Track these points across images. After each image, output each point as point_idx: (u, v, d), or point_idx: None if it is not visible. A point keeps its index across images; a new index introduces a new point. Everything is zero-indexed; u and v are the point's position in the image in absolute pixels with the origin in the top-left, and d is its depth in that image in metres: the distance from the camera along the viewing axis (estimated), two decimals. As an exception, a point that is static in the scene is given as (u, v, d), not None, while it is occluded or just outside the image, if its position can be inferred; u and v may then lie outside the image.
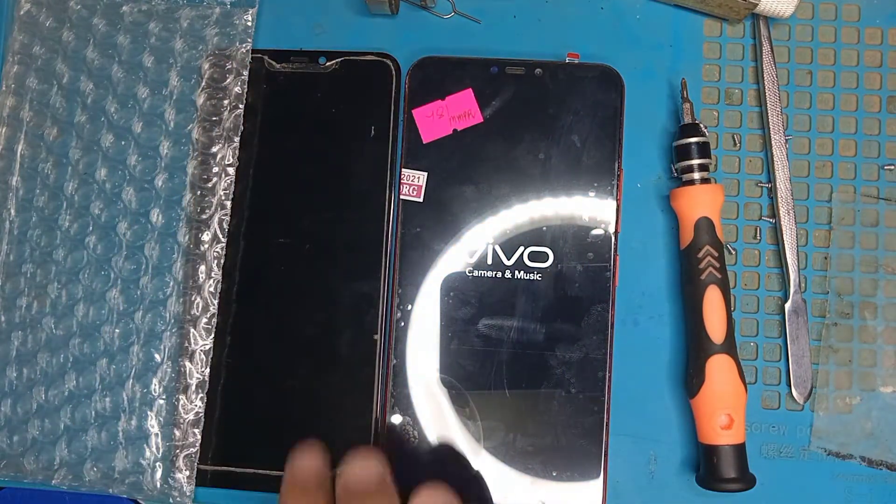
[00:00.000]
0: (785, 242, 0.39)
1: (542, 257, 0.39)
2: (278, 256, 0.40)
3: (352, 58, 0.41)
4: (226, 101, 0.40)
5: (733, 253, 0.40)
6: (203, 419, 0.38)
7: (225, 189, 0.39)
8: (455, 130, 0.39)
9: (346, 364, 0.39)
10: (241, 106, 0.40)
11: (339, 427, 0.39)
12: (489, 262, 0.39)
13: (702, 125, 0.39)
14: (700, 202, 0.38)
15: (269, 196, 0.40)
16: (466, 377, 0.38)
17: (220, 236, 0.39)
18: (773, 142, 0.40)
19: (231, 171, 0.40)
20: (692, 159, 0.38)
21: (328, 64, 0.41)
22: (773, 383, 0.40)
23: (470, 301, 0.39)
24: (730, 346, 0.37)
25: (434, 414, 0.38)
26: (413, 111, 0.40)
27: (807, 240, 0.40)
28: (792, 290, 0.39)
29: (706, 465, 0.37)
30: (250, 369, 0.39)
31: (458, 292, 0.39)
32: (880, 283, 0.40)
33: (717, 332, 0.37)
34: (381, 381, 0.39)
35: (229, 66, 0.40)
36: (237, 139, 0.40)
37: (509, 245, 0.39)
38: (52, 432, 0.39)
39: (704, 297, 0.37)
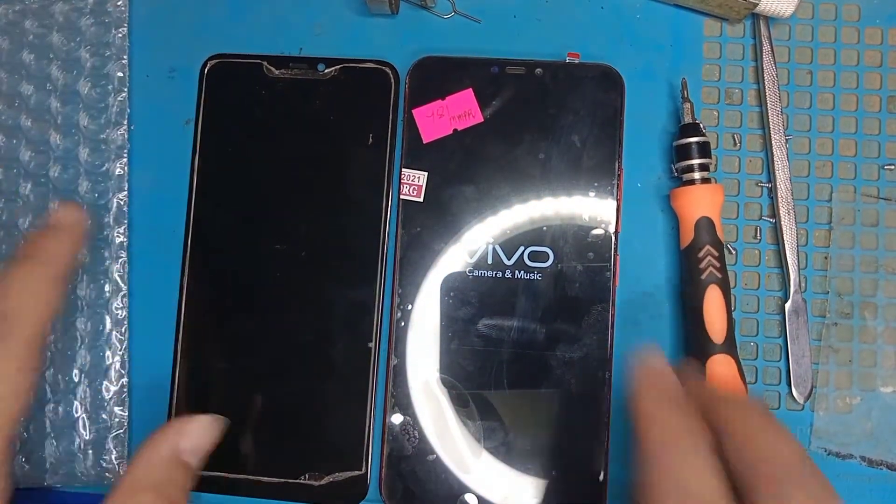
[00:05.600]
0: (785, 242, 0.39)
1: (542, 257, 0.39)
2: (274, 263, 0.39)
3: (351, 64, 0.41)
4: (110, 87, 0.41)
5: (733, 253, 0.40)
6: (127, 398, 0.39)
7: (119, 173, 0.41)
8: (455, 130, 0.39)
9: (340, 372, 0.39)
10: (125, 90, 0.41)
11: (333, 435, 0.39)
12: (489, 261, 0.39)
13: (701, 125, 0.39)
14: (700, 202, 0.38)
15: (266, 201, 0.40)
16: (467, 377, 0.38)
17: (122, 219, 0.41)
18: (773, 141, 0.40)
19: (125, 154, 0.41)
20: (692, 159, 0.38)
21: (327, 70, 0.41)
22: (773, 383, 0.40)
23: (470, 301, 0.39)
24: (730, 346, 0.37)
25: (434, 414, 0.38)
26: (413, 111, 0.40)
27: (807, 240, 0.40)
28: (792, 289, 0.39)
29: None
30: (244, 374, 0.39)
31: (459, 292, 0.39)
32: (880, 283, 0.40)
33: (717, 332, 0.37)
34: (375, 388, 0.39)
35: (108, 53, 0.41)
36: (125, 123, 0.41)
37: (509, 245, 0.39)
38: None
39: (705, 297, 0.37)
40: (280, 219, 0.40)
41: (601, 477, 0.37)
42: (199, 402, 0.39)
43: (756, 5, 0.39)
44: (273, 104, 0.41)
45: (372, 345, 0.39)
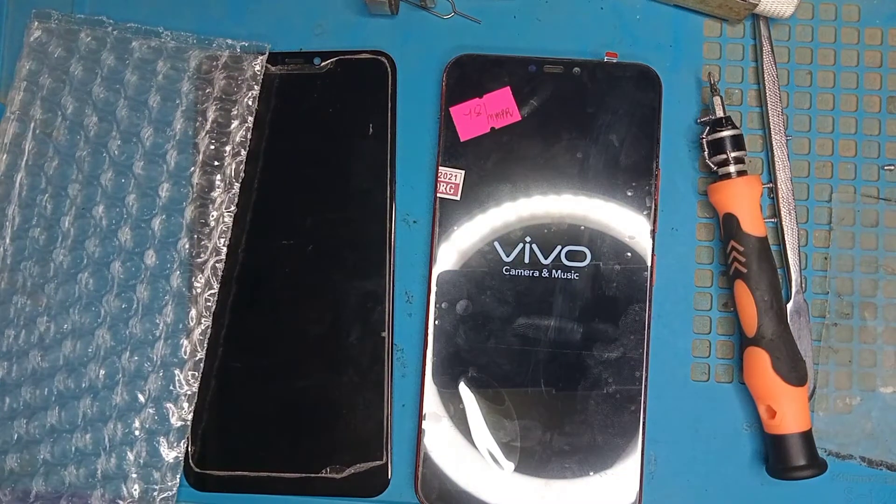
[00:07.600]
0: (787, 243, 0.39)
1: (579, 256, 0.38)
2: (282, 258, 0.39)
3: (347, 57, 0.41)
4: (228, 147, 0.39)
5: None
6: (182, 463, 0.38)
7: (221, 234, 0.39)
8: (493, 129, 0.39)
9: (355, 363, 0.39)
10: (243, 153, 0.39)
11: (352, 426, 0.38)
12: (526, 260, 0.39)
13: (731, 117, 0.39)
14: (725, 198, 0.38)
15: (271, 198, 0.40)
16: (503, 375, 0.38)
17: (213, 282, 0.39)
18: (773, 142, 0.40)
19: (228, 217, 0.39)
20: (726, 153, 0.38)
21: (323, 64, 0.41)
22: (773, 384, 0.40)
23: (507, 299, 0.38)
24: (762, 340, 0.37)
25: (470, 412, 0.38)
26: (451, 109, 0.39)
27: (807, 240, 0.40)
28: (794, 290, 0.39)
29: (769, 453, 0.38)
30: (259, 372, 0.39)
31: (495, 290, 0.38)
32: (880, 283, 0.40)
33: (747, 326, 0.37)
34: (391, 376, 0.39)
35: (235, 112, 0.40)
36: (237, 185, 0.39)
37: (547, 244, 0.39)
38: (30, 464, 0.39)
39: (734, 292, 0.38)
40: (286, 214, 0.40)
41: (637, 476, 0.37)
42: (215, 402, 0.39)
43: (756, 6, 0.39)
44: (272, 100, 0.40)
45: (385, 334, 0.39)
